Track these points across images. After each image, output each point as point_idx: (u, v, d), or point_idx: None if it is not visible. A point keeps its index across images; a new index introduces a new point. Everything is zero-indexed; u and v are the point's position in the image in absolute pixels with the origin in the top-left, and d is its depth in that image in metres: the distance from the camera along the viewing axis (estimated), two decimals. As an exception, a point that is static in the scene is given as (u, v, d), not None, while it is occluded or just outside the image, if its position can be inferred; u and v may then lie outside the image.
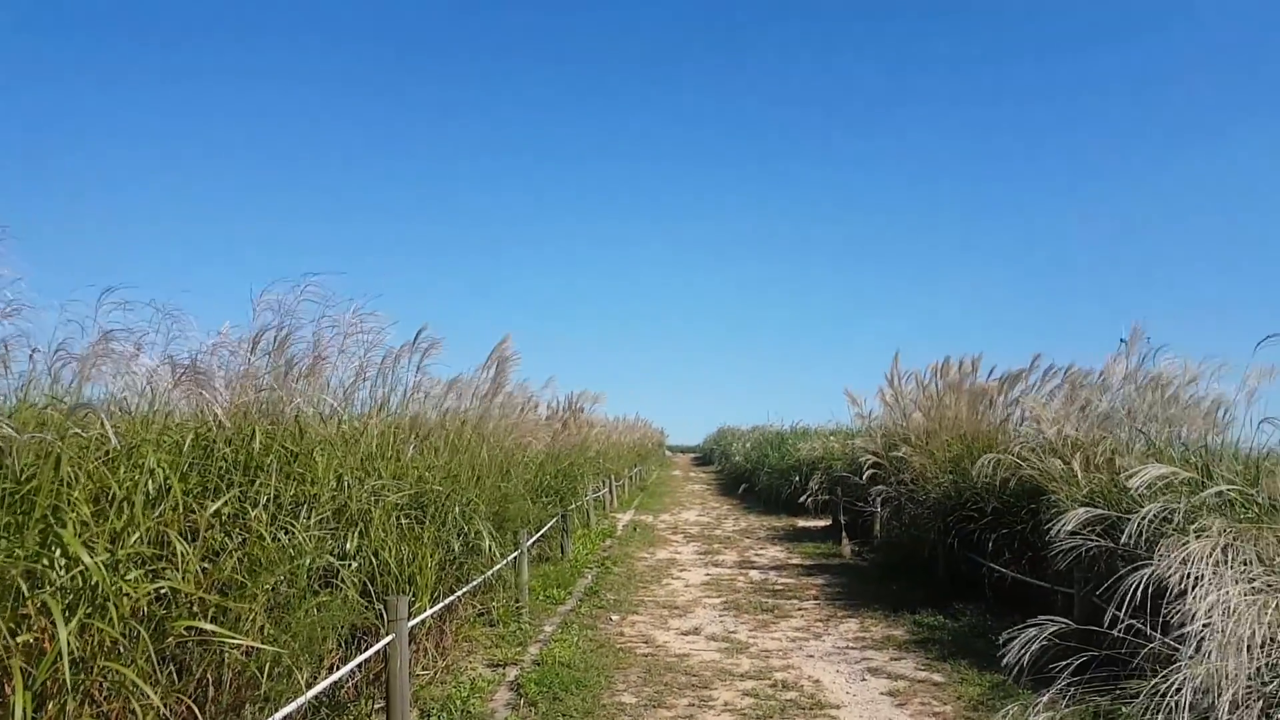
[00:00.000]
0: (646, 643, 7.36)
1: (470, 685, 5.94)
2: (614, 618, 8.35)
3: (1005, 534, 7.75)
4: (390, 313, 6.20)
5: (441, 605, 6.01)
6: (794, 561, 12.24)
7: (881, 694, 5.90)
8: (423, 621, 5.79)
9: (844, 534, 13.23)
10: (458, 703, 5.55)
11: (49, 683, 2.85)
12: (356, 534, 5.24)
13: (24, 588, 2.82)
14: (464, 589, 6.55)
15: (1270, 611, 3.35)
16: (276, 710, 3.81)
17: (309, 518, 4.73)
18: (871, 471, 11.58)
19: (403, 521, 5.74)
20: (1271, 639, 3.33)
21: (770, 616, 8.43)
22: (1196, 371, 6.96)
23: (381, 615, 4.98)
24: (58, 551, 3.02)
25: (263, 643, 3.78)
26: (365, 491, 5.45)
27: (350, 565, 5.08)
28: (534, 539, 9.68)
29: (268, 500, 4.45)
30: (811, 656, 6.91)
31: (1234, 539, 3.93)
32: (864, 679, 6.27)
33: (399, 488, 5.80)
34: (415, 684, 5.78)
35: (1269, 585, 3.51)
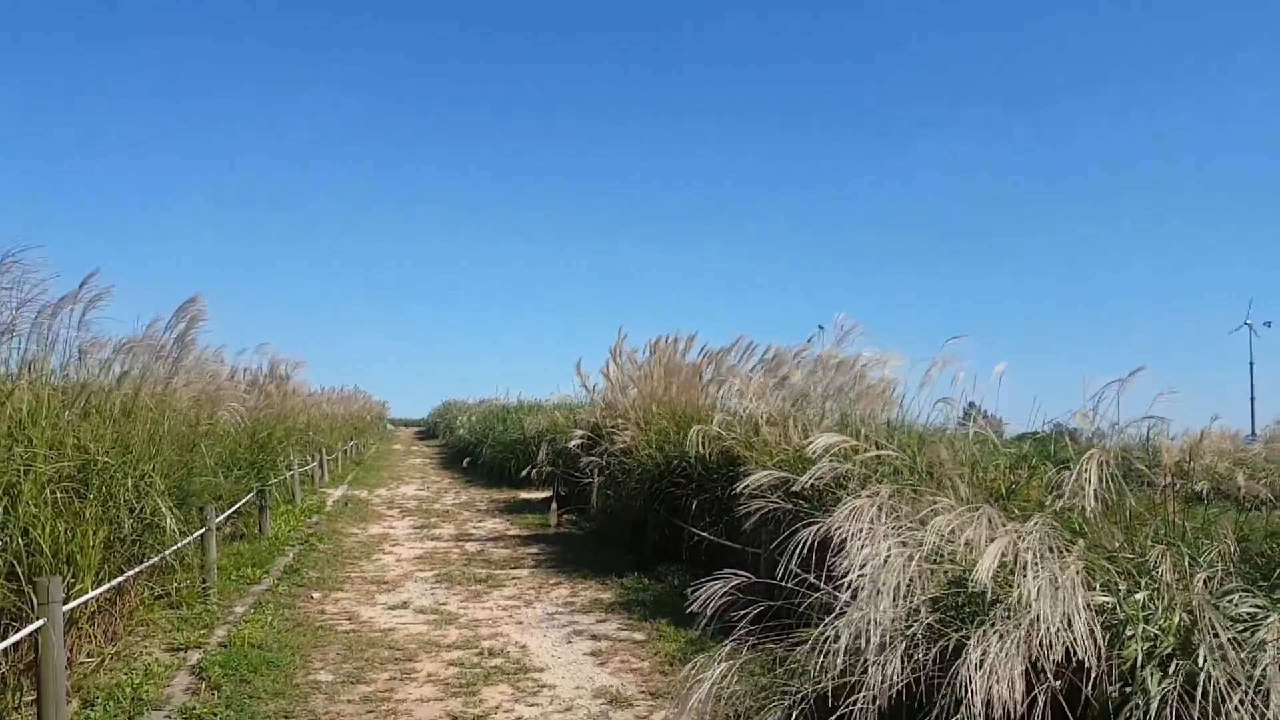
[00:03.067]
0: (350, 619, 7.08)
1: (144, 671, 5.39)
2: (315, 595, 7.94)
3: (707, 500, 8.29)
4: (52, 261, 5.44)
5: (107, 587, 5.38)
6: (513, 533, 12.34)
7: (585, 654, 6.11)
8: (85, 605, 5.16)
9: (554, 504, 13.53)
10: (128, 690, 5.02)
11: None
12: (1, 509, 4.57)
13: None
14: (137, 569, 5.91)
15: (915, 562, 3.84)
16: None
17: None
18: (585, 442, 11.94)
19: (59, 496, 5.06)
20: (915, 587, 3.81)
21: (483, 587, 8.43)
22: (883, 357, 7.82)
23: (33, 599, 4.37)
24: None
25: None
26: (14, 462, 4.75)
27: (-8, 545, 4.43)
28: (225, 516, 8.95)
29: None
30: (521, 624, 7.00)
31: (894, 500, 4.46)
32: (570, 641, 6.45)
33: (56, 458, 5.10)
34: (78, 672, 5.16)
35: (916, 540, 4.01)
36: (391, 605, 7.62)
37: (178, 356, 7.22)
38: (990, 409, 6.42)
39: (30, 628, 4.19)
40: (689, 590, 4.65)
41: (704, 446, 8.48)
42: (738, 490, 6.88)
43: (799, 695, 3.98)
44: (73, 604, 4.76)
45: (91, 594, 5.10)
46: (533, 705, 5.09)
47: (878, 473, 5.77)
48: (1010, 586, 3.64)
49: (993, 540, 3.61)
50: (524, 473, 17.13)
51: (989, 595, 3.60)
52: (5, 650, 4.32)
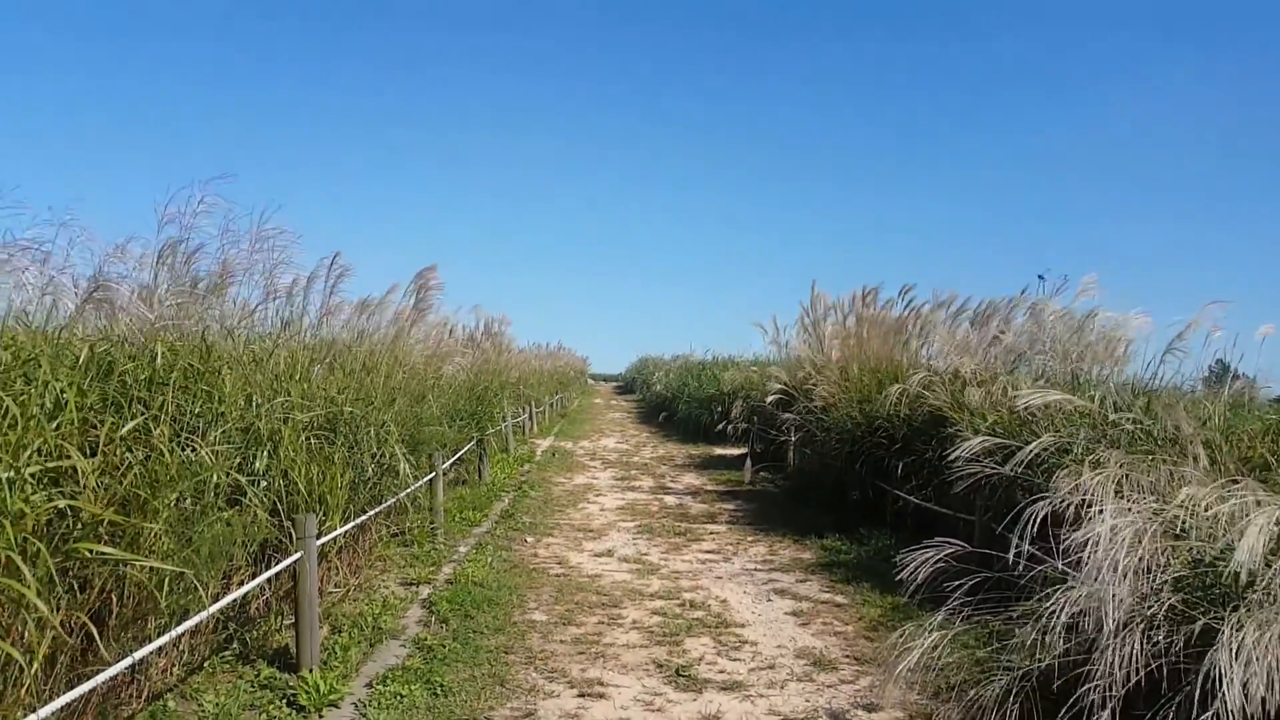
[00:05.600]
0: (560, 564, 7.46)
1: (383, 603, 5.94)
2: (529, 539, 8.42)
3: (912, 462, 8.02)
4: (297, 227, 6.00)
5: (353, 524, 5.95)
6: (709, 488, 12.50)
7: (786, 614, 6.12)
8: (334, 540, 5.73)
9: (748, 461, 13.54)
10: (369, 619, 5.55)
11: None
12: (265, 453, 5.13)
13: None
14: (377, 510, 6.49)
15: (1153, 538, 3.53)
16: (180, 624, 3.74)
17: (215, 435, 4.60)
18: (781, 398, 11.84)
19: (313, 442, 5.62)
20: (1162, 564, 3.52)
21: (682, 540, 8.61)
22: (1111, 314, 7.15)
23: (291, 533, 4.91)
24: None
25: (164, 560, 3.68)
26: (275, 411, 5.31)
27: (259, 484, 4.98)
28: (450, 462, 9.63)
29: (171, 417, 4.30)
30: (720, 578, 7.10)
31: (1129, 470, 4.12)
32: (769, 599, 6.49)
33: (309, 408, 5.67)
34: (327, 601, 5.75)
35: (1157, 514, 3.69)
36: (597, 553, 7.95)
37: (414, 319, 7.82)
38: (1247, 370, 5.75)
39: (290, 559, 4.70)
40: (894, 555, 4.52)
41: (906, 406, 8.19)
42: (947, 453, 6.61)
43: (1019, 672, 3.81)
44: (324, 539, 5.29)
45: (339, 530, 5.66)
46: (735, 660, 5.17)
47: (1108, 438, 5.35)
48: (1270, 568, 3.28)
49: (1255, 516, 3.26)
50: (719, 428, 17.29)
51: (1244, 576, 3.26)
52: (269, 579, 4.89)
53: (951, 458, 5.72)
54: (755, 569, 7.46)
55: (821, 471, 10.58)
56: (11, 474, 3.05)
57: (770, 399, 12.13)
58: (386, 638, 5.37)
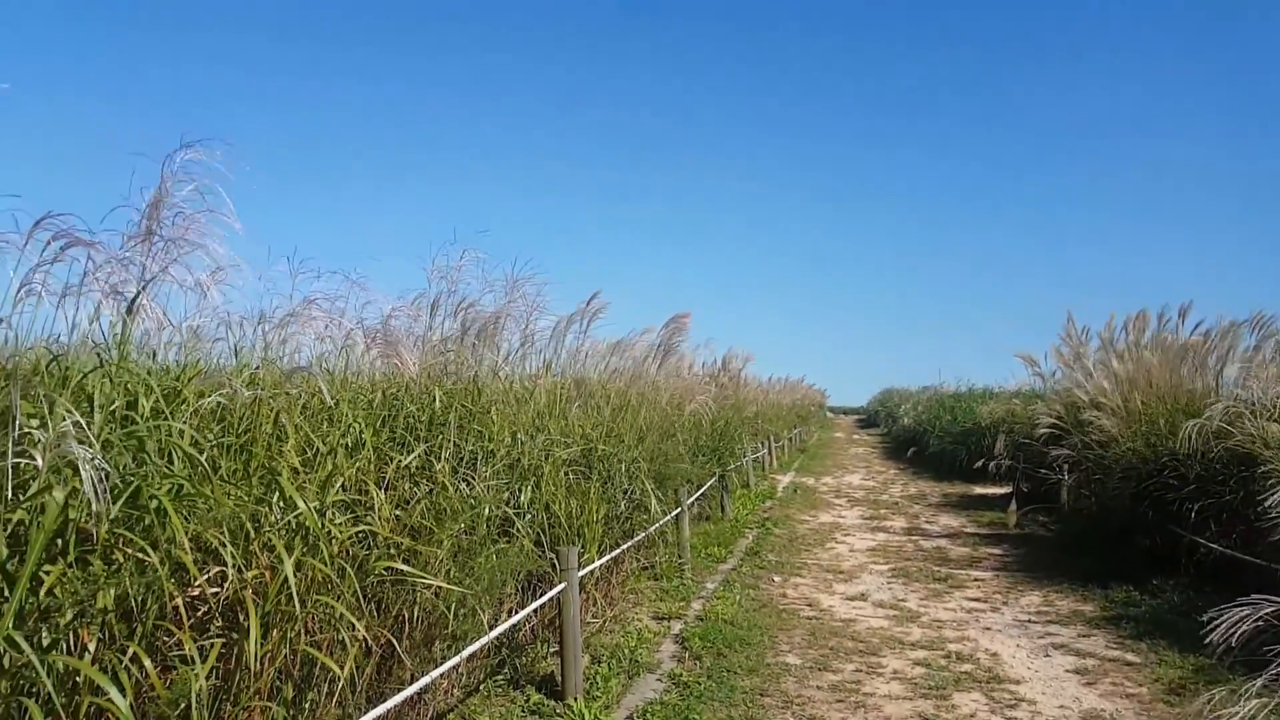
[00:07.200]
0: (810, 605, 7.27)
1: (637, 635, 6.07)
2: (776, 579, 8.30)
3: (1211, 505, 7.10)
4: (550, 273, 6.37)
5: (609, 558, 6.15)
6: (969, 530, 11.75)
7: (1067, 671, 5.57)
8: (591, 572, 5.94)
9: (1013, 501, 12.55)
10: (626, 651, 5.69)
11: (272, 612, 3.11)
12: (530, 487, 5.44)
13: (250, 529, 3.06)
14: (629, 543, 6.68)
15: None
16: (464, 648, 4.02)
17: (486, 470, 4.94)
18: (1051, 432, 10.90)
19: (570, 477, 5.89)
20: None
21: (943, 586, 8.12)
22: None
23: (554, 564, 5.15)
24: (275, 497, 3.27)
25: (449, 584, 3.98)
26: (537, 448, 5.63)
27: (525, 517, 5.29)
28: (694, 498, 9.74)
29: (449, 454, 4.68)
30: (989, 629, 6.60)
31: None
32: (1047, 655, 5.94)
33: (567, 445, 5.95)
34: (586, 631, 5.96)
35: None
36: (849, 596, 7.67)
37: (660, 359, 8.06)
38: None
39: (555, 590, 4.93)
40: (1194, 610, 3.99)
41: (1202, 444, 7.26)
42: (1257, 495, 5.77)
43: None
44: (583, 571, 5.51)
45: (597, 563, 5.87)
46: (1011, 719, 4.76)
47: None
48: None
49: None
50: (977, 465, 16.23)
51: None
52: (535, 609, 5.15)
53: (1261, 496, 5.00)
54: (1029, 620, 6.87)
55: (1101, 514, 9.60)
56: (318, 504, 3.44)
57: (1042, 433, 11.20)
58: (643, 671, 5.47)
